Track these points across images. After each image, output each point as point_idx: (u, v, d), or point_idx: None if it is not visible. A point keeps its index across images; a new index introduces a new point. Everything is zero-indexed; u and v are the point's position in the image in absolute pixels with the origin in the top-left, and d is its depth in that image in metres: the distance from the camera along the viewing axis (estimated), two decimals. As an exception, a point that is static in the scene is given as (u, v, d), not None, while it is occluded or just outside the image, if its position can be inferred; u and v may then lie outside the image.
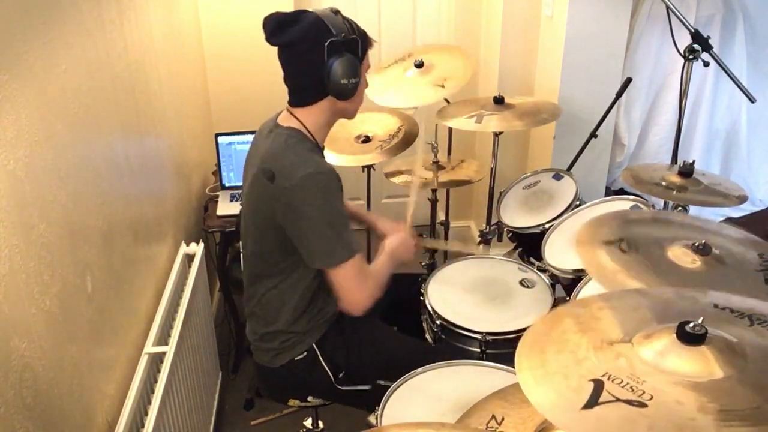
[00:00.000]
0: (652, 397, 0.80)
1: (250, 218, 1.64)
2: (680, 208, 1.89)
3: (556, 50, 2.60)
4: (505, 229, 2.23)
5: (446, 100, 2.44)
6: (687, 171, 1.76)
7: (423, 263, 2.44)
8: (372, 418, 1.43)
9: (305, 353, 1.67)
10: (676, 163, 2.09)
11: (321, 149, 1.63)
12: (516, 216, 2.24)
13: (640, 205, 1.91)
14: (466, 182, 2.47)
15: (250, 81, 2.99)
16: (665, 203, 2.08)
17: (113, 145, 1.63)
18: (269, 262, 1.62)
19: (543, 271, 1.96)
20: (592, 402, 0.80)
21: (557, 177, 2.28)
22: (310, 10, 1.52)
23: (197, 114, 2.82)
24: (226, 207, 2.52)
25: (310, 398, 1.75)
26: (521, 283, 1.92)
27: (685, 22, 2.01)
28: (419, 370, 1.49)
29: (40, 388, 1.12)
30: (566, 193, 2.18)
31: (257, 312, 1.69)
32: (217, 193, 2.64)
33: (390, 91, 2.40)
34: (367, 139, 2.46)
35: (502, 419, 1.14)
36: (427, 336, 1.87)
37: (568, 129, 2.63)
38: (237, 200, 2.54)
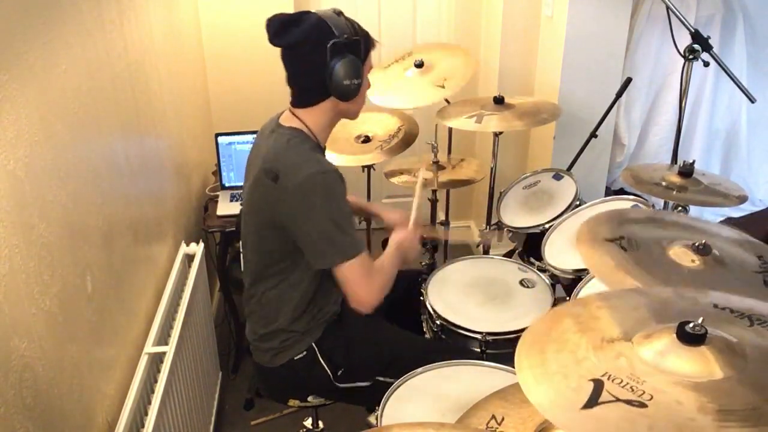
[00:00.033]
0: (652, 397, 0.80)
1: (251, 218, 1.64)
2: (680, 208, 1.89)
3: (556, 50, 2.60)
4: (506, 229, 2.23)
5: (446, 100, 2.44)
6: (687, 171, 1.76)
7: (423, 263, 2.44)
8: (372, 418, 1.43)
9: (305, 352, 1.67)
10: (676, 163, 2.09)
11: (323, 150, 1.63)
12: (516, 216, 2.24)
13: (640, 205, 1.91)
14: (466, 182, 2.46)
15: (250, 81, 2.99)
16: (665, 203, 2.08)
17: (113, 145, 1.63)
18: (270, 262, 1.62)
19: (543, 271, 1.96)
20: (592, 402, 0.80)
21: (557, 177, 2.28)
22: (313, 11, 1.52)
23: (197, 114, 2.82)
24: (226, 207, 2.52)
25: (310, 398, 1.74)
26: (521, 283, 1.92)
27: (685, 22, 2.01)
28: (419, 369, 1.49)
29: (40, 388, 1.12)
30: (566, 193, 2.18)
31: (257, 312, 1.69)
32: (217, 193, 2.64)
33: (390, 91, 2.40)
34: (367, 139, 2.46)
35: (502, 419, 1.14)
36: (427, 336, 1.87)
37: (568, 129, 2.63)
38: (237, 200, 2.54)
